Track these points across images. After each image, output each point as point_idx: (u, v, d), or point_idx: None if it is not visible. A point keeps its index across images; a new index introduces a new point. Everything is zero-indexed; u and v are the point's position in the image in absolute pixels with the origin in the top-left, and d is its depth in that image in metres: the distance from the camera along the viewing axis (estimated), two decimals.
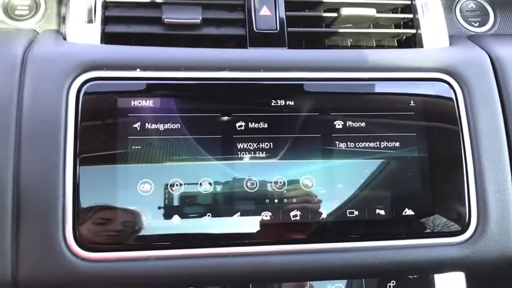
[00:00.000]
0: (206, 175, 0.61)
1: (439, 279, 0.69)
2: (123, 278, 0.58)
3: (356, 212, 0.63)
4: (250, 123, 0.63)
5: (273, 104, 0.64)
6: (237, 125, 0.63)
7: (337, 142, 0.64)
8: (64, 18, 0.71)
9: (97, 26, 0.67)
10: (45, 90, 0.59)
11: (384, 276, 0.69)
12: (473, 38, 0.76)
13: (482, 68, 0.69)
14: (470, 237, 0.64)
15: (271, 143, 0.63)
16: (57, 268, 0.57)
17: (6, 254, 0.56)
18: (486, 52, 0.71)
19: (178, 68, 0.63)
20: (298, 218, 0.62)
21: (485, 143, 0.66)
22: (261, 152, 0.63)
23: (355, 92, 0.67)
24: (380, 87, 0.67)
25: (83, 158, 0.59)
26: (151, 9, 0.69)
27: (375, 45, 0.78)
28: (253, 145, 0.63)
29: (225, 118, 0.63)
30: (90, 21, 0.67)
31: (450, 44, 0.74)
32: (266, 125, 0.63)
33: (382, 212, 0.63)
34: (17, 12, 0.76)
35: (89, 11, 0.67)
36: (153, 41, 0.69)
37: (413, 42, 0.76)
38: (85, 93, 0.61)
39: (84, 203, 0.58)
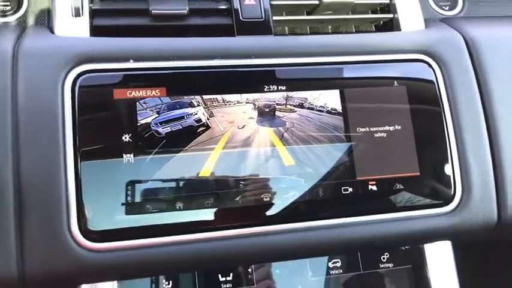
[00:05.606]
0: (203, 164, 0.62)
1: (428, 249, 0.73)
2: (131, 266, 0.59)
3: (349, 188, 0.66)
4: (245, 109, 0.66)
5: (265, 89, 0.66)
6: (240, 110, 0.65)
7: (325, 123, 0.67)
8: (50, 12, 0.71)
9: (85, 19, 0.67)
10: (40, 85, 0.59)
11: (376, 249, 0.72)
12: (447, 21, 0.81)
13: (458, 48, 0.74)
14: (457, 206, 0.68)
15: (260, 128, 0.66)
16: (64, 261, 0.57)
17: (10, 252, 0.56)
18: (460, 33, 0.75)
19: (172, 57, 0.64)
20: (288, 196, 0.64)
21: (465, 118, 0.70)
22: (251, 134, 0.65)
23: (343, 77, 0.69)
24: (365, 69, 0.70)
25: (83, 151, 0.59)
26: (138, 1, 0.69)
27: (354, 31, 0.81)
28: (247, 130, 0.65)
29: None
30: (77, 14, 0.66)
31: (426, 27, 0.78)
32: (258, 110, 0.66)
33: (373, 188, 0.66)
34: None
35: (76, 5, 0.66)
36: (140, 33, 0.69)
37: (390, 26, 0.79)
38: (80, 86, 0.60)
39: (87, 195, 0.58)
